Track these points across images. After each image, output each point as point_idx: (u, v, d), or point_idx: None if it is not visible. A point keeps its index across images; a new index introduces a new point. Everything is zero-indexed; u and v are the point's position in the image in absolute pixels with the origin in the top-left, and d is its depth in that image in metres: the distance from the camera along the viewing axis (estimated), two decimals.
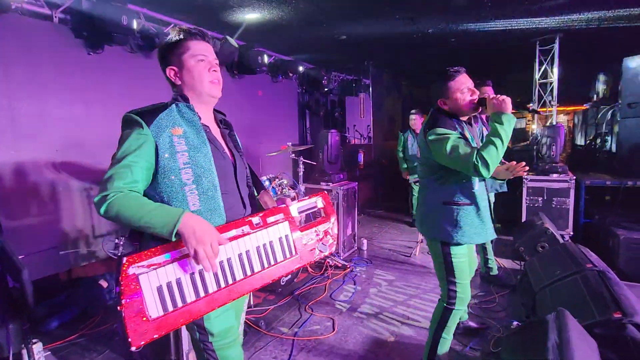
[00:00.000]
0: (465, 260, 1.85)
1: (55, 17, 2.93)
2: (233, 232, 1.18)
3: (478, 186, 1.80)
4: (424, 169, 1.92)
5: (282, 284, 3.12)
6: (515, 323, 2.22)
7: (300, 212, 1.42)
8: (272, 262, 1.27)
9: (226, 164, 1.26)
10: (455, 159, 1.62)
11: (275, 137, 5.42)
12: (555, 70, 5.11)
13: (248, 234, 1.22)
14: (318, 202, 1.50)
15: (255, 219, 1.25)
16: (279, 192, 3.34)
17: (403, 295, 3.07)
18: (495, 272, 3.25)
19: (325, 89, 6.41)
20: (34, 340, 1.61)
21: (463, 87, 1.75)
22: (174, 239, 1.03)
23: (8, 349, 1.46)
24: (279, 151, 3.58)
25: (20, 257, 1.54)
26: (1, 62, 2.71)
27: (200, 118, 1.23)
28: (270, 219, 1.29)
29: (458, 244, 1.79)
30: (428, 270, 3.55)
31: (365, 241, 4.30)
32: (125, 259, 0.98)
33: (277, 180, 3.46)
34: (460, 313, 1.88)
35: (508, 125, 1.60)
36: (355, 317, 2.74)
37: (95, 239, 3.37)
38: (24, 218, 2.91)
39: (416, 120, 4.57)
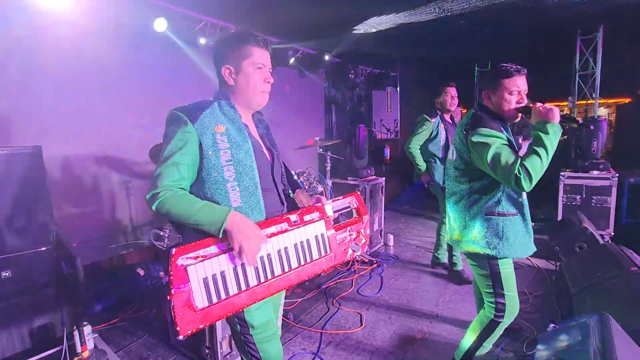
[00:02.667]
0: (512, 269, 1.73)
1: (99, 18, 3.06)
2: (272, 229, 1.22)
3: (525, 195, 1.68)
4: (460, 175, 1.74)
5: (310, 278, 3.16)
6: (551, 325, 2.14)
7: (334, 212, 1.44)
8: (308, 260, 1.30)
9: (265, 161, 1.30)
10: (495, 167, 1.49)
11: (302, 132, 5.46)
12: (599, 60, 4.82)
13: (286, 231, 1.25)
14: (352, 202, 1.52)
15: (293, 217, 1.28)
16: (307, 187, 3.37)
17: (431, 293, 3.04)
18: (460, 267, 3.24)
19: (352, 83, 6.36)
20: (84, 323, 1.73)
21: (514, 89, 1.61)
22: (220, 236, 1.08)
23: (62, 329, 1.57)
24: (306, 146, 3.61)
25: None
26: (49, 62, 2.88)
27: (240, 116, 1.26)
28: (307, 217, 1.32)
29: (504, 258, 1.67)
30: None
31: (391, 237, 4.27)
32: (174, 250, 1.02)
33: (305, 175, 3.50)
34: (506, 325, 1.76)
35: (554, 136, 1.46)
36: (382, 312, 2.75)
37: (134, 229, 3.55)
38: (69, 209, 3.10)
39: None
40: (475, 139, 1.57)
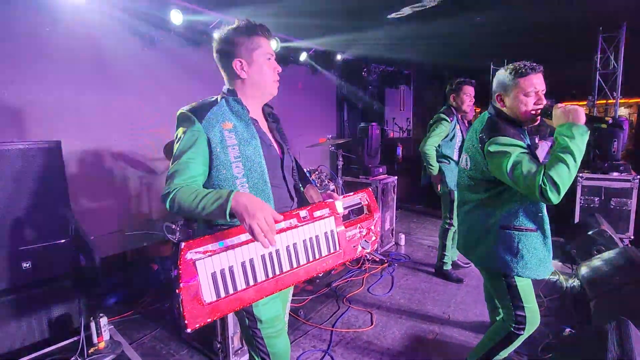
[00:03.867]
0: (529, 281, 1.61)
1: (115, 14, 3.11)
2: (282, 224, 1.22)
3: (546, 209, 1.55)
4: (474, 183, 1.61)
5: (319, 275, 3.17)
6: (567, 330, 2.10)
7: (345, 208, 1.43)
8: (317, 256, 1.30)
9: (274, 156, 1.30)
10: (517, 179, 1.36)
11: (313, 129, 5.45)
12: (620, 58, 4.68)
13: (296, 226, 1.25)
14: (363, 198, 1.51)
15: (303, 213, 1.28)
16: (318, 185, 3.37)
17: (443, 294, 3.01)
18: (448, 267, 3.28)
19: (365, 81, 6.32)
20: (100, 314, 1.77)
21: (531, 90, 1.47)
22: (228, 219, 1.03)
23: (79, 320, 1.61)
24: (318, 144, 3.61)
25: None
26: (69, 58, 2.94)
27: (249, 112, 1.26)
28: (317, 213, 1.31)
29: (518, 276, 1.56)
30: (471, 269, 3.44)
31: (403, 236, 4.24)
32: (183, 244, 1.03)
33: (316, 173, 3.49)
34: (527, 336, 1.68)
35: (581, 139, 1.31)
36: (393, 312, 2.73)
37: (148, 224, 3.61)
38: (86, 202, 3.17)
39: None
40: (492, 149, 1.45)
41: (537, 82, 1.48)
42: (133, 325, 2.60)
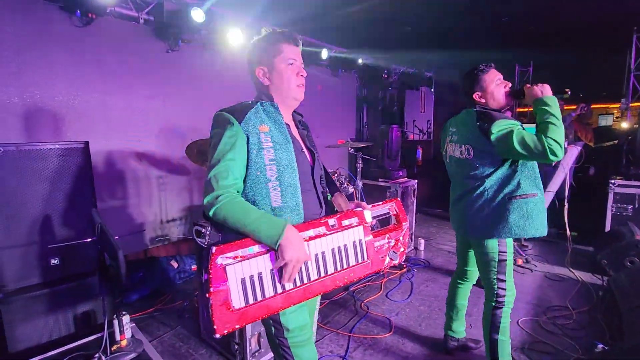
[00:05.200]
0: (512, 256, 1.87)
1: (141, 18, 3.20)
2: (311, 232, 1.21)
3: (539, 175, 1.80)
4: (478, 169, 1.80)
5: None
6: (600, 346, 1.99)
7: (373, 218, 1.40)
8: (345, 266, 1.28)
9: (305, 162, 1.30)
10: (526, 149, 1.59)
11: (333, 131, 5.43)
12: None
13: (324, 235, 1.24)
14: (392, 208, 1.49)
15: (331, 221, 1.26)
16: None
17: None
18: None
19: (385, 83, 6.25)
20: (123, 312, 1.80)
21: (496, 79, 1.81)
22: (276, 248, 1.09)
23: (103, 317, 1.65)
24: (336, 145, 3.58)
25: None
26: (96, 62, 3.04)
27: (283, 117, 1.27)
28: (345, 222, 1.29)
29: (530, 237, 1.78)
30: None
31: (422, 241, 4.16)
32: (214, 248, 1.03)
33: (335, 175, 3.47)
34: (510, 311, 1.87)
35: (554, 105, 1.62)
36: (412, 319, 2.67)
37: (168, 223, 3.68)
38: (111, 201, 3.26)
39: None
40: (498, 130, 1.67)
41: (496, 73, 1.82)
42: (153, 322, 2.64)
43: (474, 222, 1.86)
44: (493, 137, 1.68)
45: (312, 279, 1.20)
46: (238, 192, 1.16)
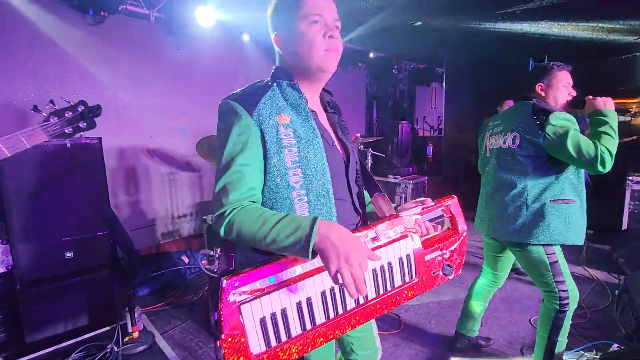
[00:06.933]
0: (563, 255, 1.78)
1: (152, 16, 3.23)
2: None
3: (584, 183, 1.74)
4: (521, 163, 1.72)
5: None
6: (615, 345, 1.95)
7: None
8: (389, 288, 1.03)
9: (337, 160, 1.01)
10: (578, 152, 1.53)
11: None
12: None
13: None
14: (447, 210, 1.20)
15: (372, 232, 0.99)
16: None
17: None
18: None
19: (395, 79, 6.19)
20: (135, 306, 1.83)
21: (566, 82, 1.75)
22: (310, 258, 0.80)
23: (116, 310, 1.68)
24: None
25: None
26: (108, 59, 3.09)
27: (307, 101, 0.97)
28: (390, 233, 1.02)
29: (568, 245, 1.71)
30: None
31: None
32: (225, 281, 0.81)
33: None
34: (572, 313, 1.78)
35: (614, 119, 1.57)
36: (422, 316, 2.65)
37: (179, 218, 3.73)
38: (123, 196, 3.32)
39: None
40: (554, 121, 1.60)
41: (569, 76, 1.75)
42: (164, 316, 2.68)
43: (512, 226, 1.76)
44: (549, 129, 1.60)
45: (348, 308, 0.96)
46: (254, 202, 0.90)
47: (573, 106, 1.74)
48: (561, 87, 1.74)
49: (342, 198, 1.01)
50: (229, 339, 0.81)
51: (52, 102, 1.18)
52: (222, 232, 0.86)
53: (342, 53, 1.02)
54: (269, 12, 1.01)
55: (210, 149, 2.91)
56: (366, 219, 1.11)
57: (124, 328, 1.81)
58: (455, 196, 1.19)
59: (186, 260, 3.36)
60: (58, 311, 2.08)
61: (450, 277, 1.15)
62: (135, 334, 1.82)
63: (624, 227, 3.66)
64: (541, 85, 1.77)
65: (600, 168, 1.50)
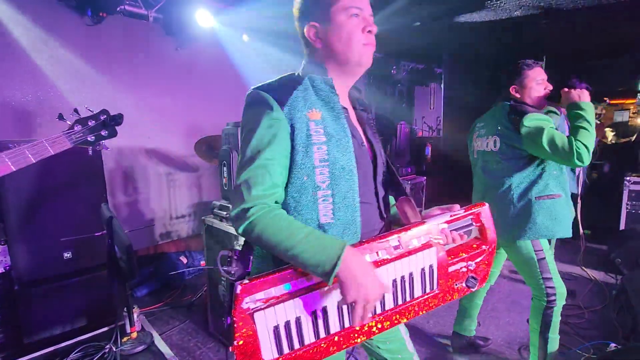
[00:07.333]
0: (551, 252, 1.83)
1: (150, 17, 3.22)
2: (367, 258, 0.91)
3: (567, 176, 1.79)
4: (506, 165, 1.77)
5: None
6: (612, 345, 1.95)
7: (452, 230, 1.08)
8: (408, 299, 0.98)
9: (366, 161, 0.97)
10: (554, 149, 1.57)
11: None
12: None
13: (385, 262, 0.92)
14: (476, 217, 1.10)
15: (395, 240, 0.94)
16: None
17: None
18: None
19: (393, 79, 6.19)
20: (133, 306, 1.84)
21: (539, 78, 1.76)
22: (330, 284, 0.80)
23: (114, 310, 1.68)
24: None
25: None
26: (106, 59, 3.08)
27: (339, 98, 0.94)
28: (414, 241, 0.97)
29: (555, 238, 1.79)
30: (500, 278, 3.29)
31: None
32: (239, 287, 0.80)
33: None
34: (561, 309, 1.81)
35: (590, 111, 1.59)
36: (421, 317, 2.64)
37: (177, 219, 3.73)
38: (121, 197, 3.31)
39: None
40: (529, 123, 1.64)
41: (541, 72, 1.77)
42: (162, 316, 2.68)
43: (500, 223, 1.78)
44: (523, 131, 1.65)
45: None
46: (277, 202, 0.87)
47: (550, 99, 1.78)
48: (534, 85, 1.76)
49: (368, 201, 0.97)
50: (241, 345, 0.81)
51: (76, 110, 1.23)
52: (241, 231, 0.83)
53: None
54: (298, 3, 0.97)
55: (209, 149, 2.92)
56: (389, 224, 1.05)
57: (122, 328, 1.81)
58: (486, 203, 1.11)
59: (185, 260, 3.36)
60: (56, 312, 2.08)
61: (474, 289, 1.08)
62: (134, 335, 1.82)
63: (622, 227, 3.67)
64: (515, 87, 1.80)
65: (578, 162, 1.54)
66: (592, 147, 1.55)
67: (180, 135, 3.60)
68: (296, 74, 0.96)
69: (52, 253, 2.10)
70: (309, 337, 0.87)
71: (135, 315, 1.83)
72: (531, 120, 1.64)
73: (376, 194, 0.99)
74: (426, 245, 0.98)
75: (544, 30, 4.88)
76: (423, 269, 0.98)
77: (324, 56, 0.94)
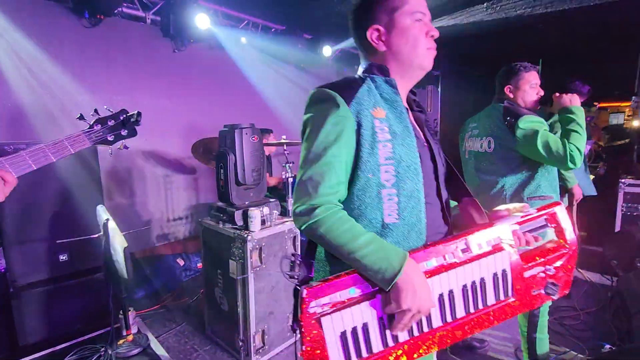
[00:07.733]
0: None
1: (148, 19, 3.23)
2: (433, 262, 0.87)
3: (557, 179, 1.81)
4: (499, 165, 1.79)
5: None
6: (607, 346, 1.97)
7: (524, 233, 1.02)
8: (481, 307, 0.92)
9: (428, 161, 0.96)
10: (548, 151, 1.59)
11: None
12: None
13: (453, 266, 0.88)
14: (550, 219, 1.03)
15: (462, 244, 0.90)
16: None
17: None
18: None
19: None
20: (129, 308, 1.83)
21: (533, 82, 1.79)
22: (387, 290, 0.81)
23: (110, 313, 1.68)
24: None
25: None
26: (104, 61, 3.08)
27: (401, 98, 0.95)
28: (483, 244, 0.92)
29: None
30: None
31: None
32: (305, 290, 0.79)
33: None
34: (547, 309, 1.81)
35: (581, 115, 1.63)
36: None
37: (174, 221, 3.72)
38: (118, 199, 3.31)
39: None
40: (523, 124, 1.66)
41: (536, 76, 1.80)
42: (159, 319, 2.67)
43: None
44: (519, 133, 1.66)
45: (434, 326, 0.89)
46: (340, 200, 0.87)
47: (542, 103, 1.82)
48: (528, 88, 1.79)
49: (432, 202, 0.95)
50: (309, 350, 0.80)
51: (96, 110, 1.25)
52: (302, 227, 0.84)
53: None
54: (358, 6, 0.98)
55: (206, 151, 2.92)
56: (452, 228, 1.02)
57: (118, 331, 1.81)
58: (562, 202, 1.04)
59: (181, 262, 3.35)
60: (51, 314, 2.07)
61: (555, 297, 0.99)
62: (130, 337, 1.82)
63: (617, 229, 3.69)
64: (509, 87, 1.83)
65: (570, 165, 1.56)
66: (583, 150, 1.57)
67: (177, 137, 3.60)
68: (357, 75, 0.97)
69: (48, 255, 2.10)
70: (377, 345, 0.84)
71: (131, 318, 1.83)
72: (526, 123, 1.66)
73: (439, 195, 0.98)
74: (497, 248, 0.93)
75: (540, 33, 4.92)
76: (495, 274, 0.93)
77: (386, 59, 0.96)
